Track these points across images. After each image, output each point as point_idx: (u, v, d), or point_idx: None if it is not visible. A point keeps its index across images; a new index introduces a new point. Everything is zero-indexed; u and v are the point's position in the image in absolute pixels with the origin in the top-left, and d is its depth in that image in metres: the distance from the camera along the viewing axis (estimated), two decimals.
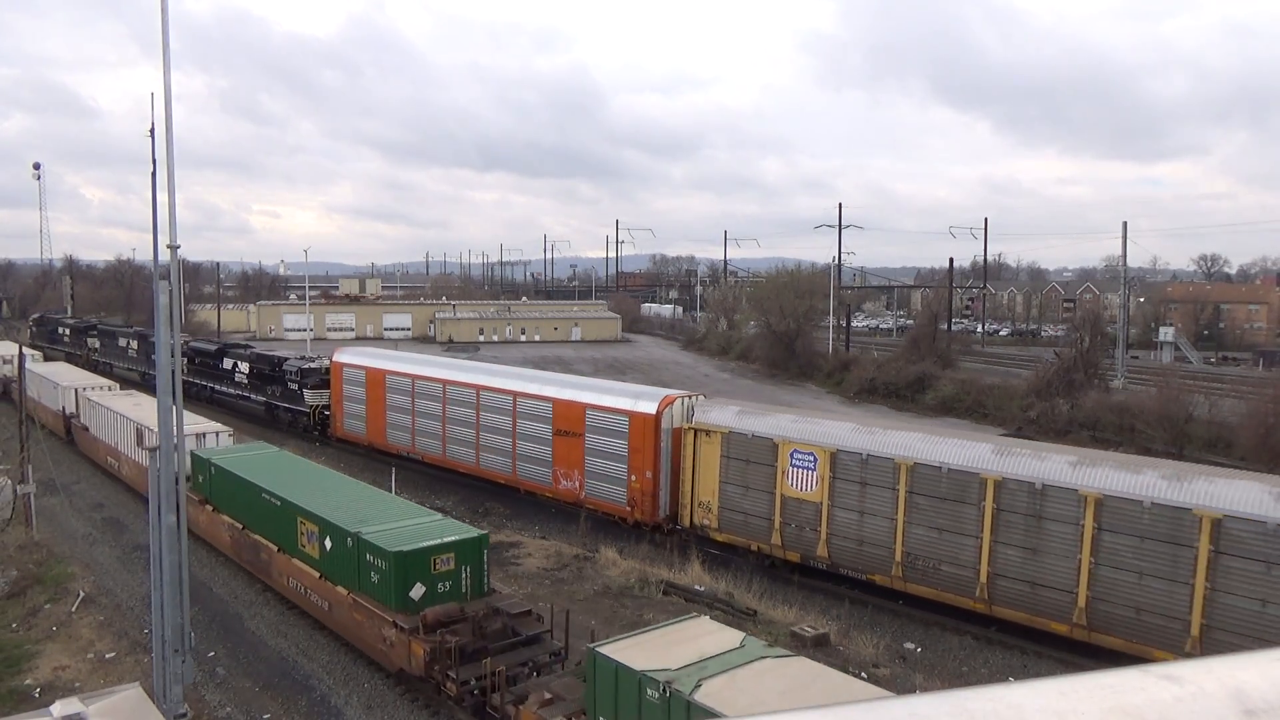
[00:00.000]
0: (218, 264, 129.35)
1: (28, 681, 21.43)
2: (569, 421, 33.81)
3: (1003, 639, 23.55)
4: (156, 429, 24.45)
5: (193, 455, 30.30)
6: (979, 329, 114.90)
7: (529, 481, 35.83)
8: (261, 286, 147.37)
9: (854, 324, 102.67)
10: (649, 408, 31.51)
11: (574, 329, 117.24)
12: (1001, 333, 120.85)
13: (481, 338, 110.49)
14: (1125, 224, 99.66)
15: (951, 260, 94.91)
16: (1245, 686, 1.62)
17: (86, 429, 43.97)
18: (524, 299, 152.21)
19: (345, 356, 46.77)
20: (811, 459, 27.34)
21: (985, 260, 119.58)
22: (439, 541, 20.50)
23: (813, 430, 27.93)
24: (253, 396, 52.02)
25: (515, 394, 36.46)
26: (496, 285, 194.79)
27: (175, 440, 16.41)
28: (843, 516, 26.46)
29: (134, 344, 67.01)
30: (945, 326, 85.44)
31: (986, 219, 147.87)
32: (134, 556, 30.00)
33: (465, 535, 21.14)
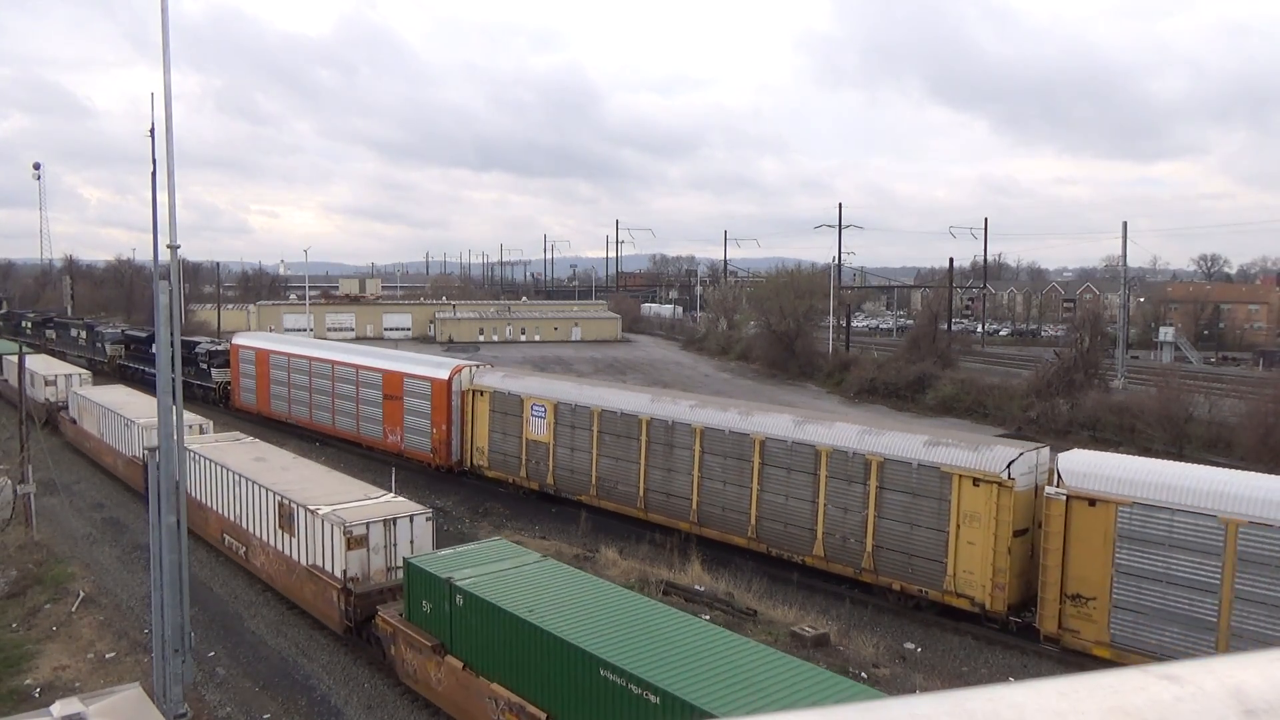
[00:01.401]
0: (218, 264, 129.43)
1: (28, 681, 21.44)
2: (392, 387, 41.88)
3: (1003, 639, 23.56)
4: (308, 503, 23.93)
5: (411, 567, 19.98)
6: (979, 329, 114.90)
7: (368, 438, 43.77)
8: (262, 286, 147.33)
9: (854, 324, 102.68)
10: (443, 374, 39.55)
11: (574, 329, 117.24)
12: (1001, 333, 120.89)
13: (481, 338, 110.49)
14: (1125, 224, 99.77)
15: (951, 260, 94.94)
16: (1245, 686, 1.62)
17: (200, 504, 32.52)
18: (524, 299, 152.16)
19: (241, 340, 55.95)
20: (543, 410, 35.49)
21: (985, 260, 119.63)
22: None
23: (545, 388, 36.76)
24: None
25: (358, 367, 44.65)
26: (496, 285, 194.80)
27: (175, 440, 16.41)
28: (562, 453, 35.00)
29: (83, 334, 78.78)
30: (945, 326, 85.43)
31: (986, 219, 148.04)
32: (134, 556, 30.00)
33: None
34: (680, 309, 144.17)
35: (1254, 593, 19.30)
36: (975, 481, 23.58)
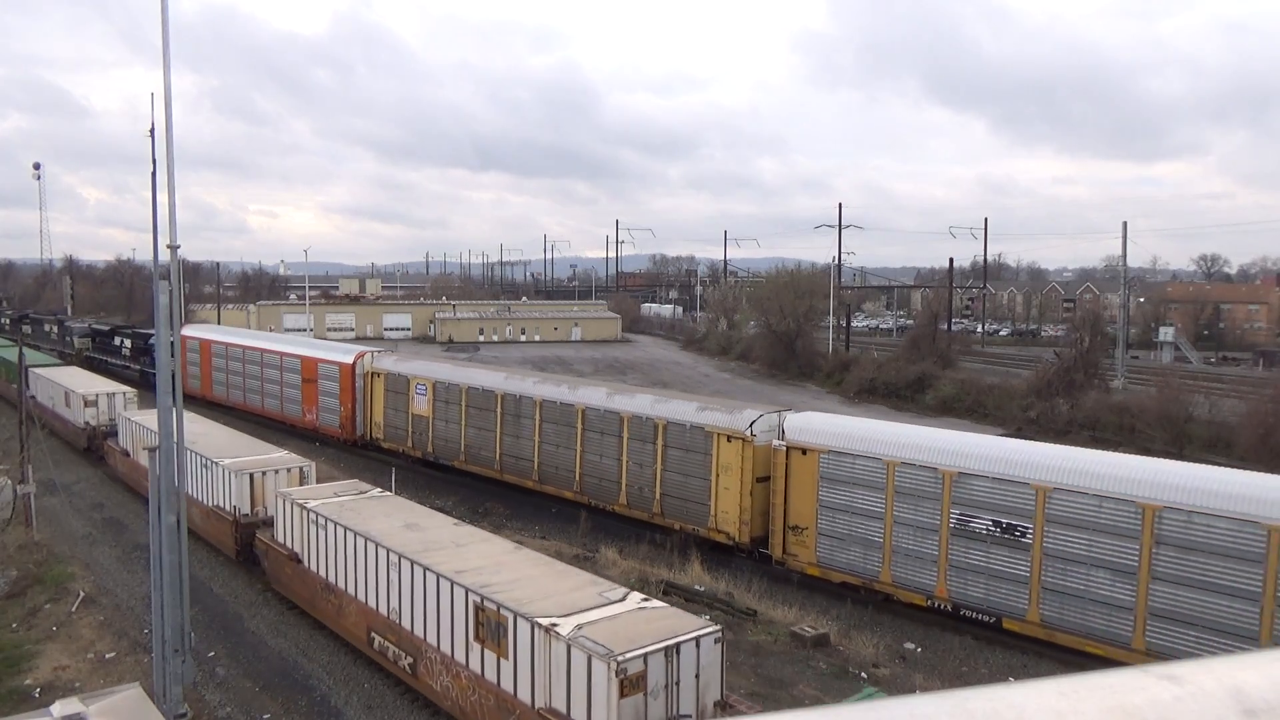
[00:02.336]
0: (218, 264, 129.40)
1: (28, 681, 21.44)
2: (309, 372, 47.72)
3: (1002, 639, 23.55)
4: (529, 611, 16.24)
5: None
6: (979, 329, 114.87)
7: (291, 417, 49.41)
8: (262, 286, 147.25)
9: (854, 324, 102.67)
10: (348, 359, 45.49)
11: (574, 329, 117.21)
12: (1001, 333, 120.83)
13: (481, 338, 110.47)
14: (1125, 224, 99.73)
15: (951, 260, 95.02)
16: (1245, 686, 1.62)
17: (296, 557, 24.54)
18: (524, 299, 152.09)
19: (188, 331, 60.10)
20: (425, 389, 41.09)
21: (985, 260, 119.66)
22: None
23: (426, 369, 42.64)
24: (131, 365, 66.31)
25: (282, 354, 50.57)
26: (496, 285, 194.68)
27: (175, 440, 16.41)
28: (439, 425, 40.43)
29: (54, 329, 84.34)
30: (945, 326, 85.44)
31: (986, 219, 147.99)
32: (134, 556, 29.99)
33: None
34: (680, 309, 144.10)
35: (906, 517, 24.82)
36: (729, 438, 28.66)
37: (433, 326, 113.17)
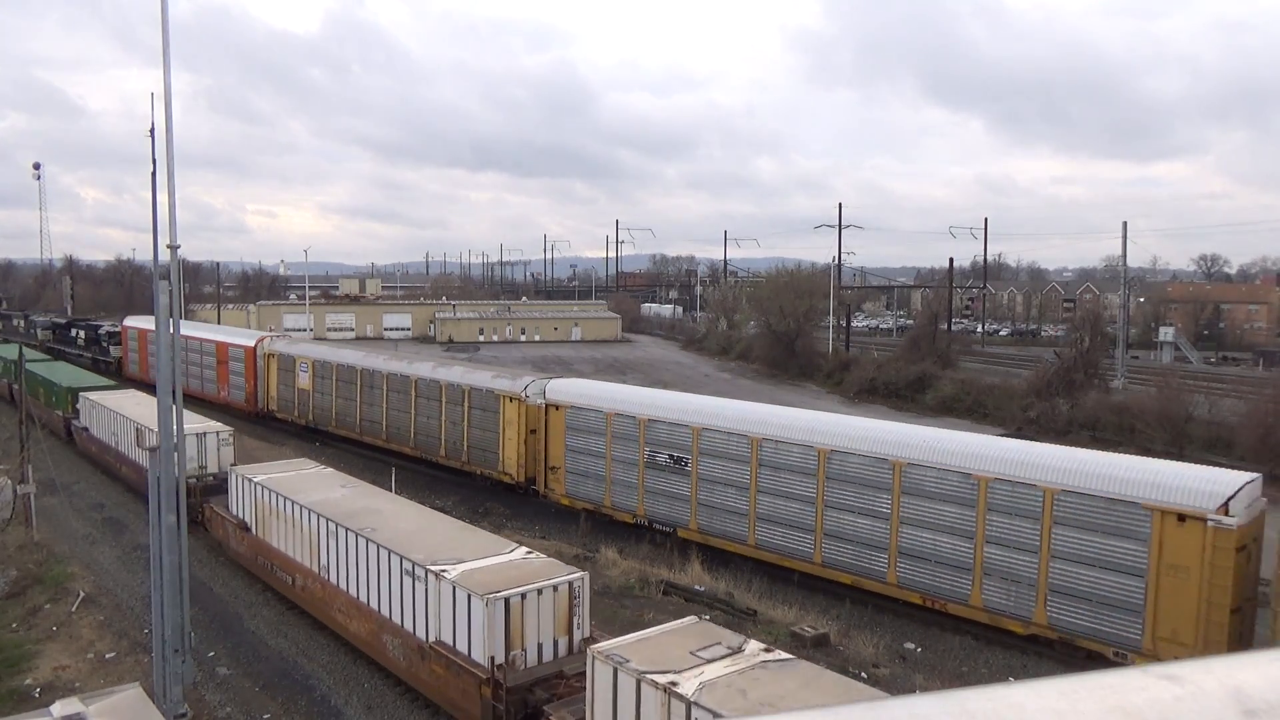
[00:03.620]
0: (218, 264, 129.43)
1: (28, 681, 21.44)
2: (222, 354, 55.74)
3: (1002, 639, 23.56)
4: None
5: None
6: (979, 329, 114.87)
7: (209, 394, 56.23)
8: (262, 286, 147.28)
9: (854, 324, 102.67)
10: (250, 343, 53.89)
11: (574, 329, 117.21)
12: (1001, 333, 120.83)
13: (481, 338, 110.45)
14: (1125, 224, 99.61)
15: (951, 260, 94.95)
16: (1245, 686, 1.62)
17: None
18: (524, 299, 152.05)
19: (129, 322, 69.62)
20: (307, 367, 48.91)
21: (985, 260, 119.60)
22: None
23: (306, 350, 50.96)
24: (84, 353, 74.64)
25: (202, 340, 57.87)
26: (496, 285, 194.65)
27: (175, 440, 16.41)
28: (317, 397, 48.23)
29: (21, 322, 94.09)
30: (945, 326, 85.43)
31: (986, 219, 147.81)
32: (134, 556, 29.99)
33: None
34: (680, 309, 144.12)
35: (619, 455, 32.11)
36: (510, 399, 36.50)
37: (433, 326, 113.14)
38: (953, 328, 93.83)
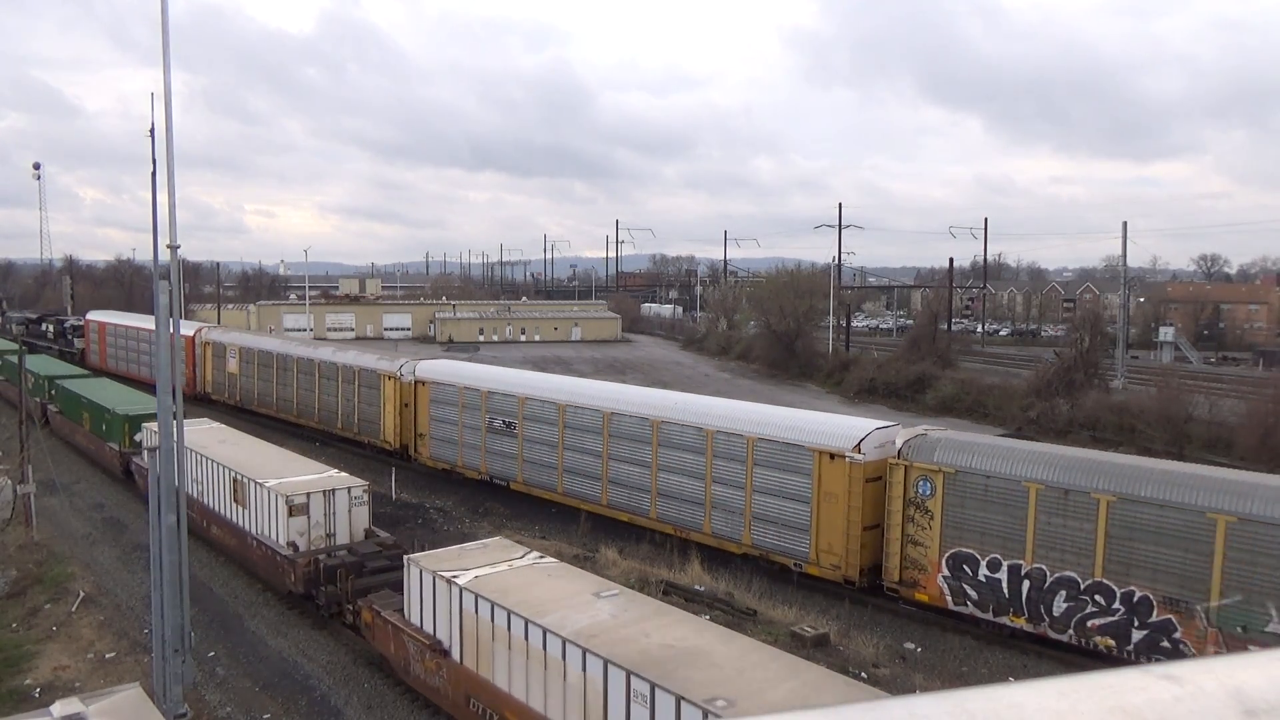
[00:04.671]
0: (218, 264, 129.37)
1: (28, 681, 21.44)
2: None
3: (1001, 639, 23.56)
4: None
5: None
6: (979, 329, 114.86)
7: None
8: (261, 286, 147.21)
9: (854, 324, 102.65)
10: (190, 333, 58.39)
11: (574, 329, 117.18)
12: (1001, 333, 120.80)
13: (481, 338, 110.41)
14: (1125, 224, 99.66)
15: (951, 260, 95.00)
16: (1245, 686, 1.62)
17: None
18: (524, 299, 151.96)
19: (91, 316, 76.79)
20: (235, 353, 55.37)
21: (985, 260, 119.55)
22: None
23: (235, 339, 57.31)
24: (53, 345, 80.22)
25: (149, 330, 57.32)
26: (496, 285, 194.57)
27: (175, 440, 16.41)
28: (245, 381, 54.36)
29: None
30: (945, 326, 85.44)
31: (986, 219, 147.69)
32: (134, 556, 29.99)
33: None
34: (680, 309, 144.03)
35: (469, 422, 38.07)
36: (389, 378, 42.28)
37: (433, 326, 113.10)
38: (953, 328, 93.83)
